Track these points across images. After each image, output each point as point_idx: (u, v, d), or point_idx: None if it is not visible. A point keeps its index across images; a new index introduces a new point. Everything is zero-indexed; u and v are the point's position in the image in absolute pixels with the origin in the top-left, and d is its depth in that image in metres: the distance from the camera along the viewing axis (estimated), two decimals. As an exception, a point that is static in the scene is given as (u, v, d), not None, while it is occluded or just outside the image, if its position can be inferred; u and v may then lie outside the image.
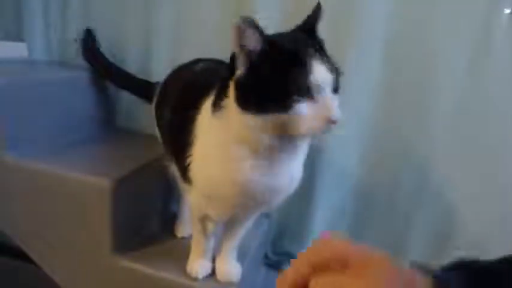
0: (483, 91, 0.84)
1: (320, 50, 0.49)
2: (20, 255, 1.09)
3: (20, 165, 0.75)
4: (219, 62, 0.70)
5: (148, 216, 0.85)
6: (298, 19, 0.53)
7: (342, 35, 0.85)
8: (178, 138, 0.60)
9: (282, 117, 0.45)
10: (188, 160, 0.58)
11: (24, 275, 1.14)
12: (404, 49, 0.86)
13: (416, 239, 0.93)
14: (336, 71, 0.47)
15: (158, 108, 0.75)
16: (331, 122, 0.44)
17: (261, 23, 0.46)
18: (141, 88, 0.89)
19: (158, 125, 0.75)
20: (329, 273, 0.28)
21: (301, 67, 0.45)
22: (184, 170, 0.60)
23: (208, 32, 0.93)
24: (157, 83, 0.81)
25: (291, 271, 0.30)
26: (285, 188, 0.55)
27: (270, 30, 0.48)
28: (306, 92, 0.44)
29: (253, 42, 0.46)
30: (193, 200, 0.64)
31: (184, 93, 0.65)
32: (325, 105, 0.45)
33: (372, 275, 0.26)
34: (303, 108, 0.44)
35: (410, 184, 0.91)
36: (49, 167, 0.74)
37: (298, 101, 0.44)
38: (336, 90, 0.47)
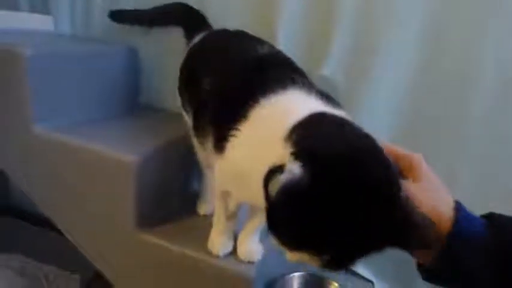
0: None
1: None
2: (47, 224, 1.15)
3: (47, 137, 0.77)
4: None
5: (171, 193, 0.86)
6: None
7: (379, 14, 0.82)
8: (228, 105, 0.58)
9: None
10: (233, 132, 0.55)
11: (51, 243, 1.20)
12: (444, 32, 0.81)
13: None
14: None
15: (192, 68, 0.74)
16: None
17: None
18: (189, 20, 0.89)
19: (187, 85, 0.74)
20: None
21: None
22: (222, 138, 0.57)
23: None
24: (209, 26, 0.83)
25: None
26: None
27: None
28: None
29: None
30: (219, 173, 0.62)
31: (244, 65, 0.63)
32: None
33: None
34: None
35: (442, 170, 0.88)
36: (76, 141, 0.75)
37: None
38: None
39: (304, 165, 0.38)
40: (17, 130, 0.79)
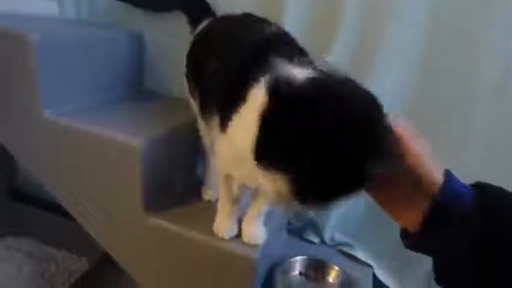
0: None
1: None
2: (54, 208, 1.17)
3: (55, 122, 0.77)
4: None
5: (177, 178, 0.87)
6: None
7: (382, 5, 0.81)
8: (231, 87, 0.58)
9: None
10: (234, 113, 0.55)
11: (58, 227, 1.22)
12: (447, 24, 0.81)
13: None
14: None
15: (198, 53, 0.74)
16: None
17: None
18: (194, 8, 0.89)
19: (194, 70, 0.74)
20: None
21: None
22: (225, 120, 0.58)
23: None
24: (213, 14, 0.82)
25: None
26: None
27: None
28: None
29: None
30: (220, 154, 0.63)
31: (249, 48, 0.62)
32: None
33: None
34: None
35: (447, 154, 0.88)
36: (83, 125, 0.76)
37: None
38: None
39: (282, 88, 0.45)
40: (27, 115, 0.80)
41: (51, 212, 1.23)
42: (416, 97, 0.87)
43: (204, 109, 0.70)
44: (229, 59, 0.63)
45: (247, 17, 0.73)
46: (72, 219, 0.86)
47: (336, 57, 0.87)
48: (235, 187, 0.68)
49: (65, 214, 0.87)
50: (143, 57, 1.04)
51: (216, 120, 0.63)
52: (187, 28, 0.87)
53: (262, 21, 0.70)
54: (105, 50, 0.92)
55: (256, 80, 0.52)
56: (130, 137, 0.72)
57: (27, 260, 1.17)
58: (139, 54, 1.03)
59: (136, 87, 1.04)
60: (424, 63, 0.84)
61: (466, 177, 0.43)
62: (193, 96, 0.77)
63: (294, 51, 0.59)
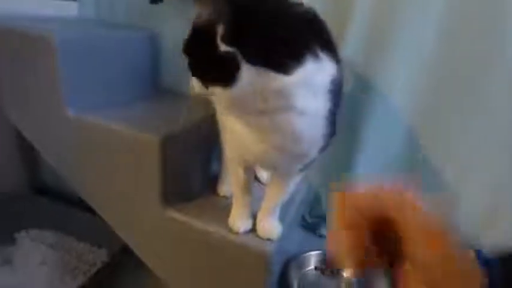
0: None
1: None
2: (76, 202, 1.21)
3: (77, 119, 0.81)
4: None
5: (194, 173, 0.89)
6: None
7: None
8: None
9: None
10: None
11: (80, 220, 1.27)
12: (463, 11, 0.79)
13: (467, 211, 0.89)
14: None
15: None
16: None
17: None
18: None
19: None
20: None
21: None
22: None
23: None
24: None
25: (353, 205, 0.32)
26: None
27: None
28: None
29: None
30: (224, 136, 0.66)
31: None
32: None
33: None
34: None
35: (462, 156, 0.87)
36: (105, 122, 0.79)
37: None
38: None
39: None
40: (50, 113, 0.84)
41: (73, 205, 1.28)
42: (431, 87, 0.85)
43: None
44: None
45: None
46: (93, 212, 0.89)
47: (349, 48, 0.87)
48: (244, 175, 0.69)
49: (87, 207, 0.91)
50: (160, 56, 1.06)
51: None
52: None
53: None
54: (123, 50, 0.95)
55: None
56: (149, 133, 0.74)
57: (50, 252, 1.22)
58: (157, 54, 1.05)
59: (154, 85, 1.06)
60: (438, 52, 0.82)
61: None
62: None
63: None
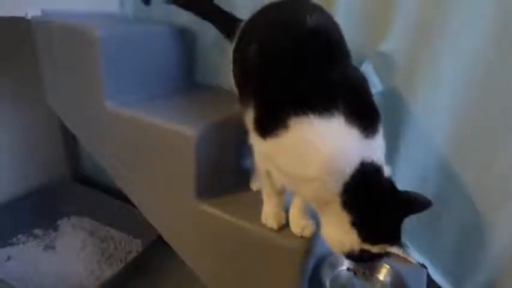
0: None
1: None
2: (113, 192, 1.25)
3: (116, 113, 0.83)
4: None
5: (227, 168, 0.89)
6: None
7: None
8: (271, 88, 0.60)
9: None
10: (274, 134, 0.58)
11: (116, 210, 1.31)
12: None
13: (504, 231, 0.85)
14: None
15: (243, 49, 0.71)
16: None
17: None
18: (223, 22, 0.87)
19: (239, 67, 0.72)
20: None
21: None
22: (263, 121, 0.60)
23: None
24: (241, 20, 0.78)
25: None
26: None
27: None
28: None
29: None
30: (258, 153, 0.66)
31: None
32: None
33: None
34: None
35: (504, 169, 0.82)
36: (142, 116, 0.80)
37: None
38: None
39: None
40: (91, 106, 0.87)
41: (111, 195, 1.33)
42: (477, 89, 0.80)
43: (242, 100, 0.70)
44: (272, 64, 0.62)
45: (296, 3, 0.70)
46: (130, 203, 0.92)
47: (391, 45, 0.83)
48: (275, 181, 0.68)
49: (124, 198, 0.94)
50: (195, 51, 1.07)
51: (250, 116, 0.64)
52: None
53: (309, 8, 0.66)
54: (161, 45, 0.97)
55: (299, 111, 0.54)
56: (185, 127, 0.75)
57: (89, 238, 1.28)
58: (192, 49, 1.06)
59: (189, 80, 1.08)
60: (485, 51, 0.77)
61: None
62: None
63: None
